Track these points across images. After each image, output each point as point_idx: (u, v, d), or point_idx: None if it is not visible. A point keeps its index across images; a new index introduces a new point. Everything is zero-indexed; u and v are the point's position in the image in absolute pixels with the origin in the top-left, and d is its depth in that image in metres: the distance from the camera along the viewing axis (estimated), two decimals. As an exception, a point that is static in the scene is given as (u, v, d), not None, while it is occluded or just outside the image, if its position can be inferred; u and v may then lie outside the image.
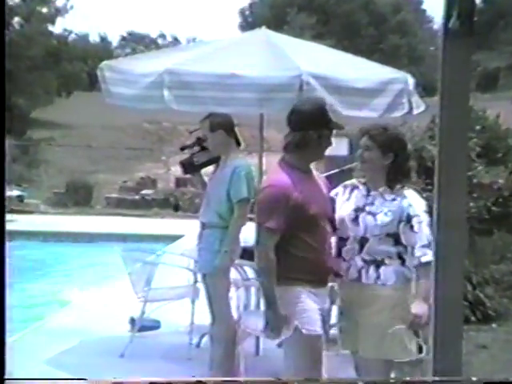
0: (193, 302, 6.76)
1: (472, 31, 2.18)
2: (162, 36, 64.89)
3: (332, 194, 4.52)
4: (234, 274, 6.16)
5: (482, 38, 37.60)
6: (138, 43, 60.89)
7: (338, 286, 4.52)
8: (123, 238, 14.04)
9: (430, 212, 4.11)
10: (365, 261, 4.30)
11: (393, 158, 4.33)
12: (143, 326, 6.96)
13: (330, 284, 4.46)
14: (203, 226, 5.86)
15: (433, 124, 8.63)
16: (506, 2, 44.38)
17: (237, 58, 6.26)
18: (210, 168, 6.13)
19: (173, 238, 13.16)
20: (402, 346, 4.26)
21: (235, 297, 5.95)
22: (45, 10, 31.38)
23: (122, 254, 7.06)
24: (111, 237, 14.61)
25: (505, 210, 8.99)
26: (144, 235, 14.70)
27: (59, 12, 31.21)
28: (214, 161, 6.00)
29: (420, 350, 4.26)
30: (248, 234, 5.27)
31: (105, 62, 6.76)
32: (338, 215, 4.41)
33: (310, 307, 4.15)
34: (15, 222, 14.86)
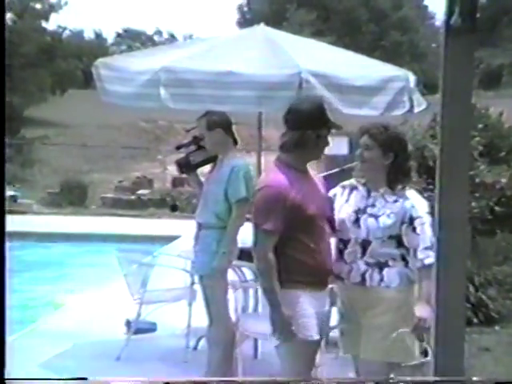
0: (190, 304, 6.76)
1: (474, 28, 2.19)
2: (159, 33, 64.86)
3: (330, 194, 4.51)
4: (231, 276, 6.16)
5: (484, 35, 37.62)
6: (133, 40, 60.86)
7: (338, 288, 4.51)
8: (119, 238, 14.00)
9: (432, 213, 4.11)
10: (368, 264, 4.29)
11: (393, 158, 4.32)
12: (139, 328, 6.96)
13: (329, 286, 4.46)
14: (200, 226, 5.86)
15: (434, 122, 8.63)
16: (510, -2, 44.40)
17: (235, 56, 6.26)
18: (206, 168, 6.14)
19: (169, 239, 13.15)
20: (406, 349, 4.26)
21: (233, 299, 5.95)
22: (38, 5, 31.36)
23: (117, 255, 7.06)
24: (106, 237, 14.57)
25: (508, 210, 8.98)
26: (140, 236, 14.67)
27: (53, 8, 31.18)
28: (211, 160, 6.00)
29: (425, 353, 4.26)
30: (246, 235, 5.27)
31: (100, 60, 6.77)
32: (337, 217, 4.40)
33: (308, 312, 4.15)
34: (8, 223, 14.81)
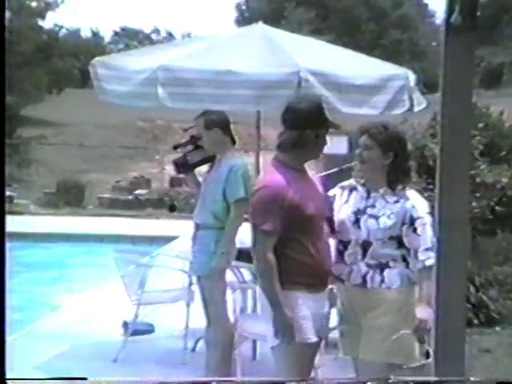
0: (188, 305, 6.76)
1: (475, 26, 2.18)
2: (156, 31, 64.82)
3: (329, 195, 4.50)
4: (229, 277, 6.17)
5: (485, 33, 37.62)
6: (131, 38, 60.84)
7: (337, 289, 4.51)
8: (116, 239, 14.00)
9: (432, 213, 4.11)
10: (369, 265, 4.27)
11: (393, 158, 4.30)
12: (136, 329, 6.96)
13: (329, 286, 4.45)
14: (198, 227, 5.86)
15: (434, 121, 8.63)
16: (511, -5, 44.40)
17: (233, 54, 6.27)
18: (204, 167, 6.14)
19: (167, 240, 13.14)
20: (406, 351, 4.25)
21: (231, 300, 5.95)
22: (34, 3, 31.32)
23: (114, 255, 7.06)
24: (104, 238, 14.58)
25: (509, 210, 8.99)
26: (137, 236, 14.66)
27: (49, 6, 31.16)
28: (209, 160, 5.99)
29: (427, 355, 4.25)
30: (244, 235, 5.27)
31: (97, 58, 6.77)
32: (337, 218, 4.39)
33: (305, 313, 4.14)
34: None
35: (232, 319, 5.88)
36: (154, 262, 7.32)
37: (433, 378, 2.21)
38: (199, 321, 6.18)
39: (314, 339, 4.17)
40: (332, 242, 4.43)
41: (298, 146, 4.17)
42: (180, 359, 6.53)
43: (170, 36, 60.47)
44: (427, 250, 4.18)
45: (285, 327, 4.09)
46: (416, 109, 6.49)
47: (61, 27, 38.88)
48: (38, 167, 24.11)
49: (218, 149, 5.84)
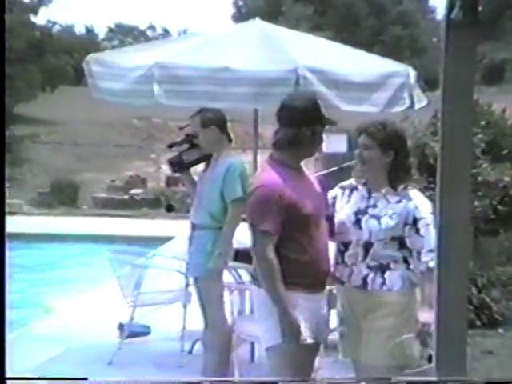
0: (184, 306, 6.76)
1: (476, 21, 2.18)
2: (152, 28, 64.86)
3: (330, 196, 4.49)
4: (227, 278, 6.17)
5: (487, 28, 37.62)
6: (126, 35, 60.87)
7: (337, 290, 4.50)
8: (111, 239, 14.00)
9: (433, 212, 4.10)
10: (370, 267, 4.26)
11: (393, 156, 4.29)
12: (132, 331, 6.96)
13: (328, 287, 4.45)
14: (194, 227, 5.87)
15: (435, 119, 8.64)
16: (513, -10, 44.42)
17: (230, 51, 6.27)
18: (199, 167, 6.14)
19: (163, 240, 13.14)
20: (409, 355, 4.24)
21: (229, 301, 5.95)
22: (27, -1, 31.38)
23: (109, 256, 7.06)
24: (98, 238, 14.57)
25: (511, 209, 9.00)
26: (133, 237, 14.66)
27: (42, 2, 31.20)
28: (205, 159, 6.00)
29: (430, 359, 4.24)
30: (241, 235, 5.27)
31: (91, 55, 6.77)
32: (337, 218, 4.39)
33: (303, 315, 4.13)
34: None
35: (230, 321, 5.88)
36: (150, 263, 7.32)
37: (432, 379, 2.22)
38: (196, 323, 6.19)
39: (310, 341, 4.15)
40: (331, 243, 4.42)
41: (294, 143, 4.16)
42: (177, 362, 6.53)
43: (166, 32, 60.54)
44: (430, 251, 4.15)
45: (292, 327, 4.07)
46: (416, 106, 6.50)
47: (54, 23, 38.93)
48: (31, 166, 24.09)
49: (215, 147, 5.84)
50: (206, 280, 5.75)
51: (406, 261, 4.29)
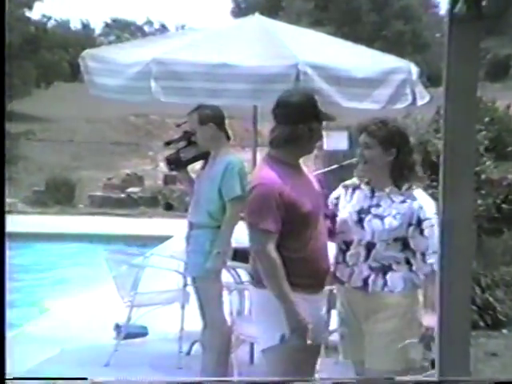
0: (182, 307, 6.76)
1: (480, 15, 2.18)
2: (149, 23, 64.86)
3: (333, 196, 4.49)
4: (226, 277, 6.17)
5: (491, 23, 37.45)
6: (122, 30, 60.85)
7: (337, 290, 4.50)
8: (108, 238, 14.01)
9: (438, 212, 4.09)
10: (371, 268, 4.25)
11: (396, 153, 4.27)
12: (129, 332, 6.96)
13: (327, 287, 4.45)
14: (192, 226, 5.87)
15: (438, 116, 8.64)
16: (518, -16, 44.25)
17: (229, 47, 6.27)
18: (197, 164, 6.14)
19: (161, 239, 13.14)
20: (413, 360, 4.23)
21: (228, 301, 5.95)
22: (21, -7, 31.33)
23: (106, 256, 7.06)
24: (95, 238, 14.58)
25: (515, 208, 9.00)
26: (130, 236, 14.67)
27: (37, -4, 31.17)
28: (203, 156, 6.00)
29: (432, 364, 4.23)
30: (240, 234, 5.27)
31: (87, 51, 6.77)
32: (339, 217, 4.38)
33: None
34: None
35: (229, 321, 5.88)
36: (148, 263, 7.32)
37: (433, 379, 2.22)
38: (194, 323, 6.19)
39: (307, 343, 4.11)
40: (330, 243, 4.41)
41: (291, 141, 4.15)
42: (175, 363, 6.53)
43: (164, 28, 60.53)
44: (435, 253, 4.13)
45: (299, 326, 4.05)
46: (419, 103, 6.50)
47: (49, 18, 38.90)
48: (26, 164, 24.07)
49: (213, 145, 5.84)
50: (204, 280, 5.75)
51: (408, 262, 4.27)
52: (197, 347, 6.59)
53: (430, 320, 4.04)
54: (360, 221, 4.30)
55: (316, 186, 4.34)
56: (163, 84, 5.92)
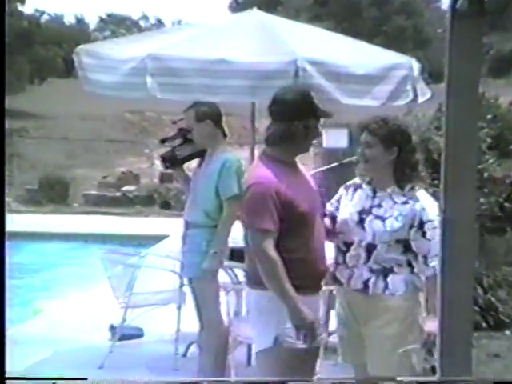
0: (179, 307, 6.76)
1: (483, 10, 2.18)
2: (145, 18, 64.86)
3: (335, 199, 4.48)
4: (223, 277, 6.17)
5: (494, 18, 37.54)
6: (118, 26, 60.83)
7: (337, 291, 4.50)
8: (103, 238, 14.02)
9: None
10: (372, 270, 4.24)
11: (397, 153, 4.26)
12: (124, 334, 6.96)
13: (326, 288, 4.44)
14: (188, 225, 5.87)
15: (440, 113, 8.63)
16: (521, -22, 44.33)
17: (226, 42, 6.27)
18: (193, 163, 6.13)
19: (157, 239, 13.15)
20: (414, 366, 4.22)
21: (225, 302, 5.95)
22: (14, -13, 31.31)
23: (101, 255, 7.06)
24: (89, 237, 14.59)
25: (518, 207, 9.00)
26: (125, 235, 14.68)
27: (31, -10, 31.15)
28: (199, 154, 5.99)
29: (433, 370, 4.23)
30: (237, 234, 5.27)
31: (81, 46, 6.76)
32: (340, 217, 4.37)
33: None
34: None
35: (226, 322, 5.88)
36: (143, 263, 7.31)
37: (433, 379, 2.22)
38: (191, 324, 6.19)
39: (303, 345, 4.10)
40: (329, 243, 4.40)
41: (286, 138, 4.14)
42: (171, 365, 6.53)
43: (160, 23, 60.53)
44: (438, 255, 4.11)
45: (305, 324, 4.03)
46: (420, 100, 6.50)
47: (42, 13, 38.97)
48: (19, 162, 24.05)
49: (209, 142, 5.84)
50: (200, 280, 5.75)
51: (410, 264, 4.26)
52: (193, 349, 6.59)
53: (431, 325, 4.02)
54: (361, 221, 4.29)
55: (313, 184, 4.32)
56: (159, 80, 5.92)
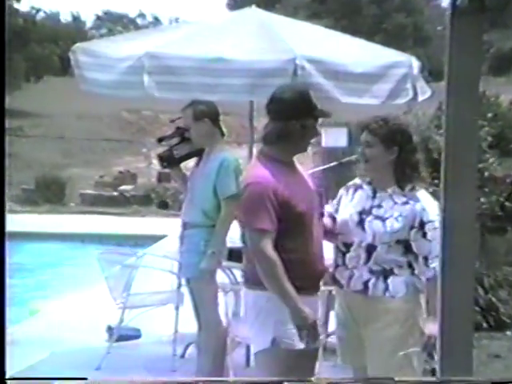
0: (177, 308, 6.76)
1: (483, 8, 2.18)
2: (142, 16, 64.85)
3: (334, 201, 4.48)
4: (221, 278, 6.17)
5: (494, 16, 37.53)
6: (114, 23, 60.83)
7: (336, 292, 4.50)
8: (99, 238, 14.02)
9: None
10: (372, 272, 4.24)
11: (398, 152, 4.26)
12: (122, 335, 6.96)
13: (325, 288, 4.44)
14: (186, 225, 5.87)
15: (440, 112, 8.64)
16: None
17: (224, 40, 6.26)
18: (190, 162, 6.13)
19: (155, 239, 13.15)
20: (414, 369, 4.23)
21: (223, 302, 5.95)
22: (9, -15, 31.31)
23: (98, 256, 7.06)
24: (86, 237, 14.58)
25: (519, 206, 9.01)
26: (123, 235, 14.67)
27: (26, -13, 31.15)
28: (197, 153, 5.99)
29: (433, 372, 4.23)
30: (235, 234, 5.27)
31: (78, 45, 6.76)
32: (340, 218, 4.37)
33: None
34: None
35: (224, 323, 5.88)
36: (141, 263, 7.31)
37: (433, 379, 2.22)
38: (189, 325, 6.19)
39: (300, 346, 4.10)
40: (328, 243, 4.40)
41: (284, 137, 4.13)
42: (169, 366, 6.53)
43: (157, 21, 60.52)
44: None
45: (307, 324, 4.03)
46: (420, 98, 6.50)
47: (38, 10, 38.89)
48: (14, 161, 24.01)
49: (207, 141, 5.84)
50: (198, 280, 5.75)
51: (410, 266, 4.26)
52: (191, 350, 6.59)
53: (432, 328, 4.01)
54: (361, 222, 4.28)
55: (311, 184, 4.32)
56: (156, 79, 5.91)
